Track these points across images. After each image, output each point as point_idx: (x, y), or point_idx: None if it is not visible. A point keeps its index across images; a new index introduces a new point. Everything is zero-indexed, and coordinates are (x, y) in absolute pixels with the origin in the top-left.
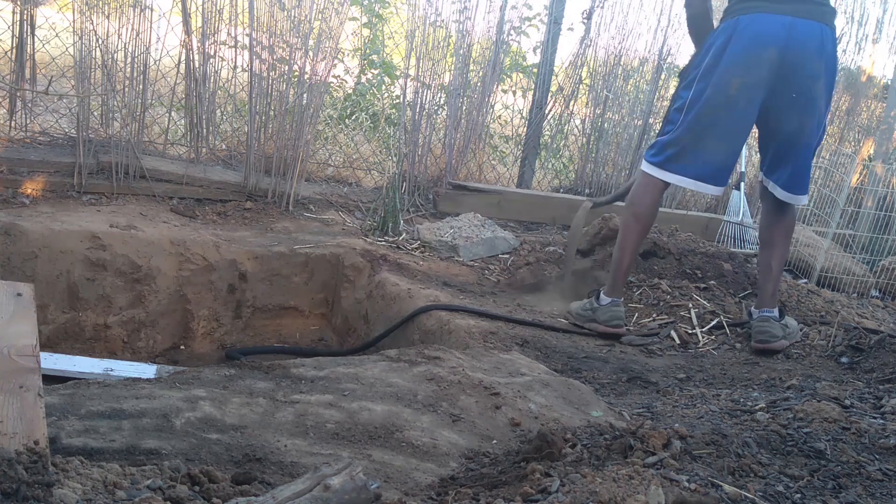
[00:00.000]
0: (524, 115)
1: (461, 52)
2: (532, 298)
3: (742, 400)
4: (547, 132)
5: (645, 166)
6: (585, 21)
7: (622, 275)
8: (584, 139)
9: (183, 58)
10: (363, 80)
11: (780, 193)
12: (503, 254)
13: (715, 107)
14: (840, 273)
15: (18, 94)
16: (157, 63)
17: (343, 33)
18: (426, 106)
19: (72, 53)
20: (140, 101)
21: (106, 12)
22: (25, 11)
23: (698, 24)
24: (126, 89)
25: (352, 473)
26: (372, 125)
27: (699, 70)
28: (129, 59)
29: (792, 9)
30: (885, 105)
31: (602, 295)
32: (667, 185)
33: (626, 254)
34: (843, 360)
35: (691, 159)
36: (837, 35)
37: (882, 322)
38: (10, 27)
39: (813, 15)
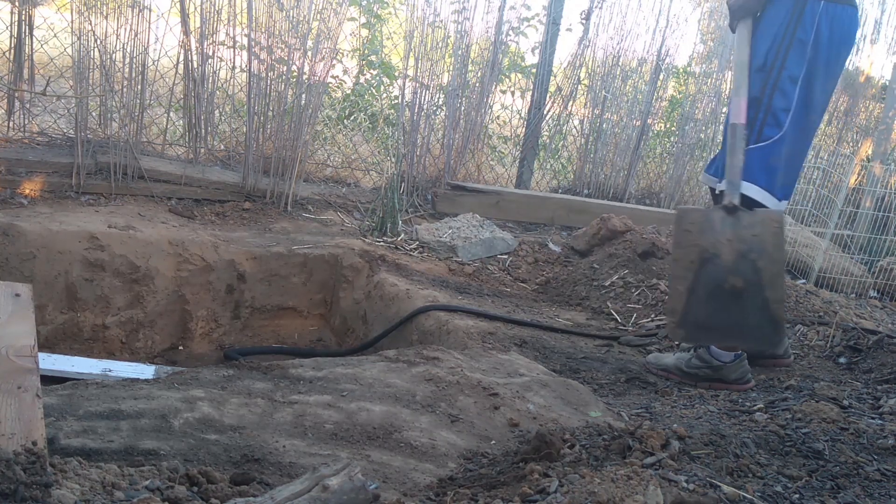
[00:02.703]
0: (523, 115)
1: (460, 52)
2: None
3: (740, 400)
4: (545, 132)
5: (764, 197)
6: (584, 22)
7: None
8: (583, 139)
9: (181, 58)
10: (362, 80)
11: None
12: (502, 254)
13: (816, 113)
14: (838, 273)
15: (17, 94)
16: (156, 63)
17: (341, 34)
18: (425, 106)
19: (70, 54)
20: (138, 101)
21: (104, 13)
22: (24, 12)
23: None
24: (124, 90)
25: (350, 474)
26: (370, 126)
27: (803, 67)
28: (127, 60)
29: None
30: (883, 105)
31: (717, 349)
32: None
33: None
34: (842, 360)
35: (782, 170)
36: None
37: (880, 322)
38: (9, 27)
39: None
